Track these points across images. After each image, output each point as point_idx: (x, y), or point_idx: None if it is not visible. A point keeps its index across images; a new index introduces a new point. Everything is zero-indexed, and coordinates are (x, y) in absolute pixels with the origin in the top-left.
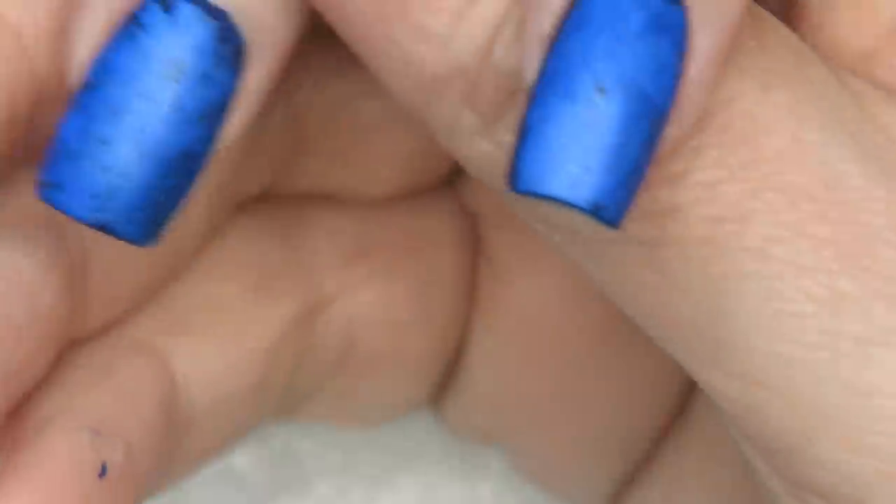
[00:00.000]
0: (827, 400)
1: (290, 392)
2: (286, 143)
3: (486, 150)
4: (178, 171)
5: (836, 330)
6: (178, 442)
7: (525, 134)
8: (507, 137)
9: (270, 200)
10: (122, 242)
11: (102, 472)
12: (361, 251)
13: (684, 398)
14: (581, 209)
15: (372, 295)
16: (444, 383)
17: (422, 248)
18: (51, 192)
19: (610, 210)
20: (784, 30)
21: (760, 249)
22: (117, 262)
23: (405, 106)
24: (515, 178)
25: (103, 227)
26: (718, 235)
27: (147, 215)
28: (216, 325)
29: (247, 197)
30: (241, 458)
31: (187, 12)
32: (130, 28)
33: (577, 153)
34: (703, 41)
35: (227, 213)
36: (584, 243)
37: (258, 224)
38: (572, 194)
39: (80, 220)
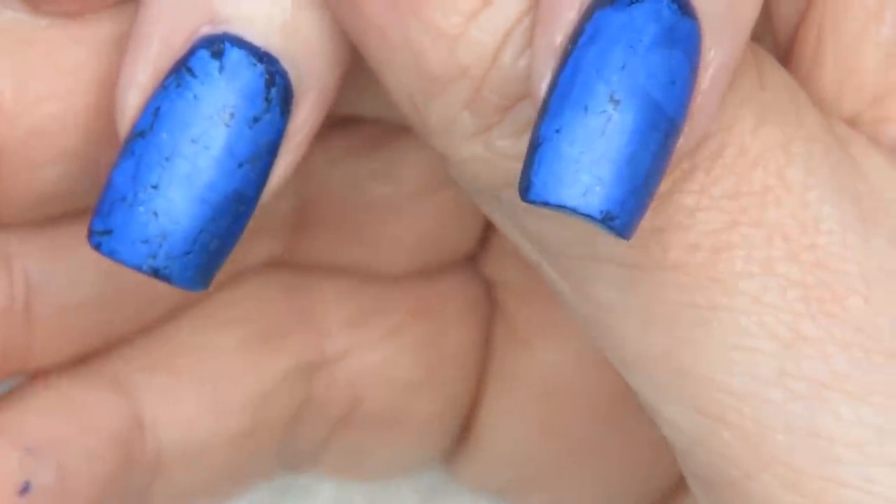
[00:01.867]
0: (774, 438)
1: (292, 447)
2: (297, 218)
3: (479, 153)
4: (228, 214)
5: (793, 371)
6: (144, 482)
7: (538, 145)
8: (503, 143)
9: (281, 265)
10: (69, 280)
11: (25, 488)
12: (369, 313)
13: None
14: (592, 219)
15: (378, 355)
16: (456, 444)
17: (431, 312)
18: (102, 239)
19: (621, 220)
20: (781, 70)
21: (729, 283)
22: (64, 301)
23: (401, 104)
24: (528, 188)
25: (155, 273)
26: (691, 263)
27: (198, 260)
28: (202, 370)
29: (252, 266)
30: None
31: (236, 58)
32: (181, 75)
33: (590, 164)
34: (715, 54)
35: (227, 277)
36: (563, 261)
37: (265, 281)
38: (584, 204)
39: (131, 266)
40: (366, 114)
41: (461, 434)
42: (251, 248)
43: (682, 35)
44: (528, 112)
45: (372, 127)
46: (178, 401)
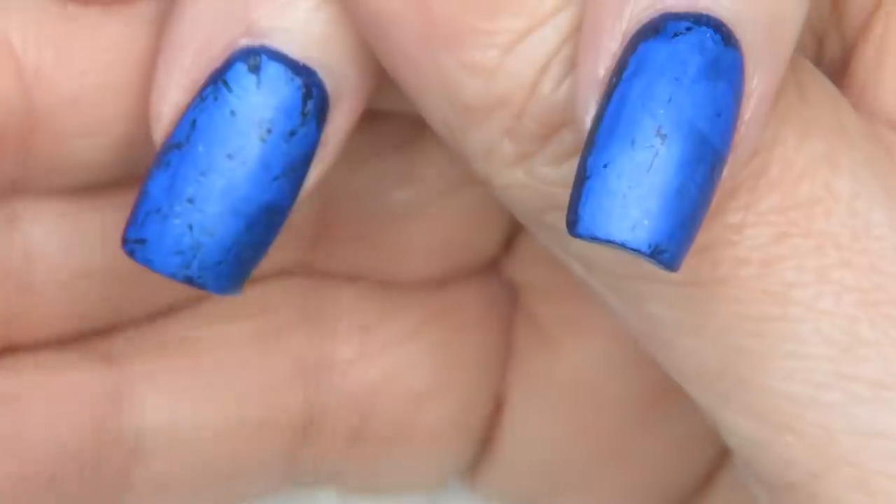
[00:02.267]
0: (838, 440)
1: (305, 464)
2: (317, 223)
3: (521, 180)
4: (262, 224)
5: (852, 374)
6: (121, 464)
7: (585, 179)
8: (545, 170)
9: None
10: (75, 251)
11: None
12: (383, 317)
13: (721, 453)
14: (641, 253)
15: (390, 361)
16: (476, 456)
17: (446, 317)
18: (136, 247)
19: (669, 253)
20: (822, 79)
21: (782, 293)
22: (67, 271)
23: (436, 128)
24: (576, 223)
25: (189, 282)
26: (742, 277)
27: (230, 269)
28: (200, 360)
29: (271, 272)
30: None
31: (274, 72)
32: (218, 88)
33: (638, 198)
34: (758, 82)
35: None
36: (612, 279)
37: (279, 281)
38: (633, 239)
39: (165, 275)
40: (387, 108)
41: (481, 445)
42: (271, 253)
43: (726, 66)
44: (569, 139)
45: (392, 127)
46: (169, 385)
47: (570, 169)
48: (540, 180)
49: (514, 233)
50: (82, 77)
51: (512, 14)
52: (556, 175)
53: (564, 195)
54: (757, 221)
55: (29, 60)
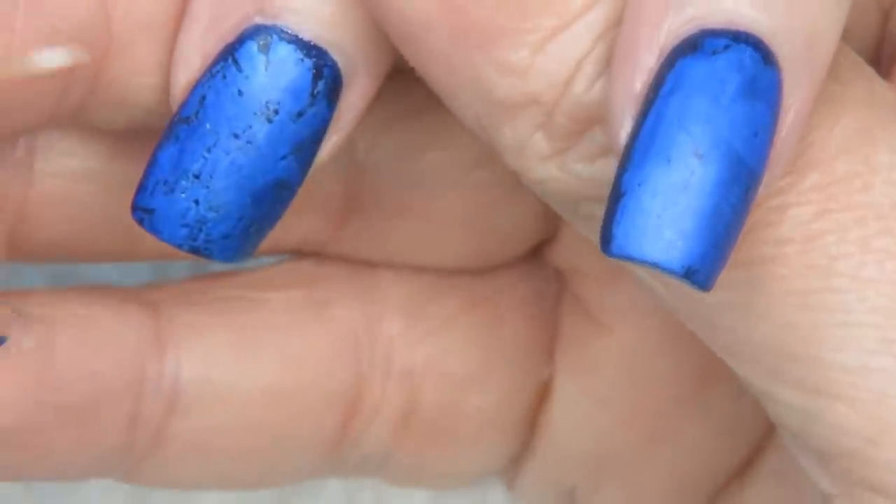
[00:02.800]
0: (891, 403)
1: (350, 441)
2: (348, 193)
3: (555, 175)
4: (269, 200)
5: None
6: (159, 413)
7: (620, 197)
8: (578, 166)
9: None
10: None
11: None
12: (424, 301)
13: (763, 437)
14: (674, 273)
15: (433, 347)
16: (518, 448)
17: (487, 302)
18: (145, 216)
19: (702, 274)
20: (851, 54)
21: (825, 266)
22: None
23: (468, 124)
24: (609, 242)
25: (196, 252)
26: (786, 254)
27: (237, 242)
28: (243, 319)
29: (311, 249)
30: None
31: (284, 54)
32: (228, 66)
33: (673, 219)
34: (795, 99)
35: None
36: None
37: (330, 261)
38: (667, 259)
39: (172, 245)
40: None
41: (525, 436)
42: (301, 223)
43: (764, 85)
44: (601, 138)
45: (423, 88)
46: (212, 340)
47: (602, 166)
48: (574, 175)
49: (557, 218)
50: (154, 8)
51: (543, 13)
52: (590, 171)
53: (598, 188)
54: (798, 201)
55: None
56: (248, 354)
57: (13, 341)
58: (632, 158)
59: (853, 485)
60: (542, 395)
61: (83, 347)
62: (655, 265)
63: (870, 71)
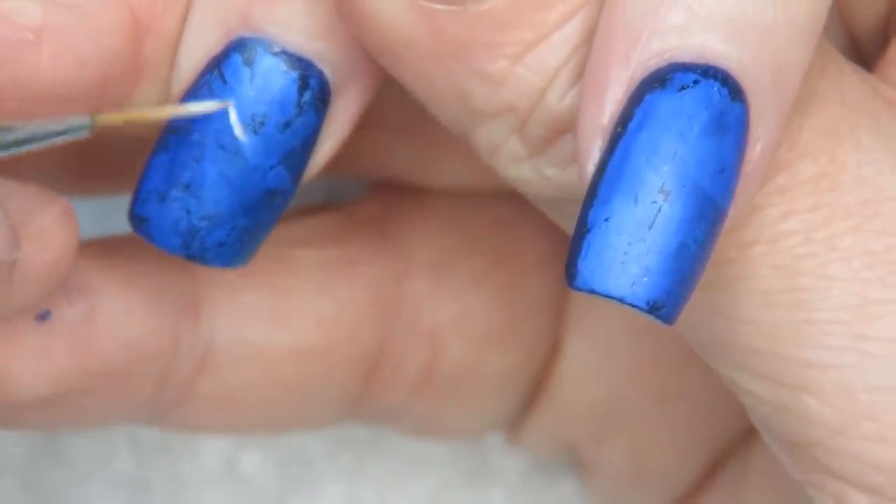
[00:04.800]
0: (856, 397)
1: (376, 403)
2: (370, 124)
3: (529, 176)
4: (261, 208)
5: (865, 333)
6: (189, 371)
7: (586, 232)
8: (550, 171)
9: (368, 202)
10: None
11: (43, 316)
12: (451, 259)
13: None
14: (639, 309)
15: (458, 305)
16: (527, 402)
17: (511, 260)
18: (140, 225)
19: (667, 309)
20: (824, 47)
21: (789, 266)
22: None
23: (446, 123)
24: (574, 277)
25: (191, 259)
26: (748, 257)
27: (232, 249)
28: (272, 278)
29: (340, 201)
30: (250, 460)
31: (269, 66)
32: (213, 78)
33: (639, 255)
34: (762, 133)
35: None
36: None
37: (358, 219)
38: (631, 295)
39: (168, 252)
40: None
41: (533, 391)
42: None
43: (731, 119)
44: (572, 146)
45: None
46: (243, 300)
47: (574, 172)
48: (546, 179)
49: None
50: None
51: (521, 26)
52: (562, 177)
53: (571, 191)
54: (764, 203)
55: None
56: (279, 315)
57: (56, 315)
58: (598, 194)
59: (820, 473)
60: (554, 352)
61: (123, 318)
62: (620, 300)
63: (844, 66)
